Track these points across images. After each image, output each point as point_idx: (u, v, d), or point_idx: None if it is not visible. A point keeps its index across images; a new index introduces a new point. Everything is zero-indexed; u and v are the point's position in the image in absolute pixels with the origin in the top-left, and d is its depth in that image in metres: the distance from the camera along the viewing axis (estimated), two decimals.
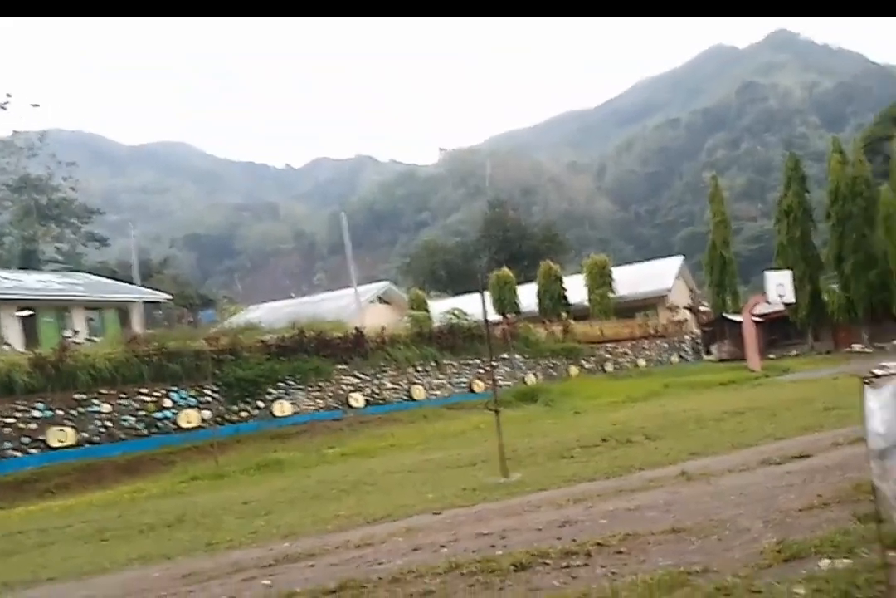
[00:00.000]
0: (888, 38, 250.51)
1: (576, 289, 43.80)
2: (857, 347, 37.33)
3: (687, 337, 40.58)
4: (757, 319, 34.97)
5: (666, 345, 38.46)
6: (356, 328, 25.81)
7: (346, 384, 23.83)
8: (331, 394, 23.29)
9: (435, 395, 26.12)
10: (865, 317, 37.57)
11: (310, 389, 22.78)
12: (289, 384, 22.29)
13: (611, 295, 43.09)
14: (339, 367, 23.82)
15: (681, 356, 38.65)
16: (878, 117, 53.55)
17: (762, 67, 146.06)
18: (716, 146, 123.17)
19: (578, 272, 46.32)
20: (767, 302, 34.23)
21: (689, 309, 45.42)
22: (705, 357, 40.36)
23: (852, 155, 39.64)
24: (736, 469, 8.63)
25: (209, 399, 20.43)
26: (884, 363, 3.80)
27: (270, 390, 21.75)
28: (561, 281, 44.70)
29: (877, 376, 3.74)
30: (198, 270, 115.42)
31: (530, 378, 29.51)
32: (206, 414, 20.08)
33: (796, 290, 34.50)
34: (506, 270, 47.09)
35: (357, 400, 23.66)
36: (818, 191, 43.61)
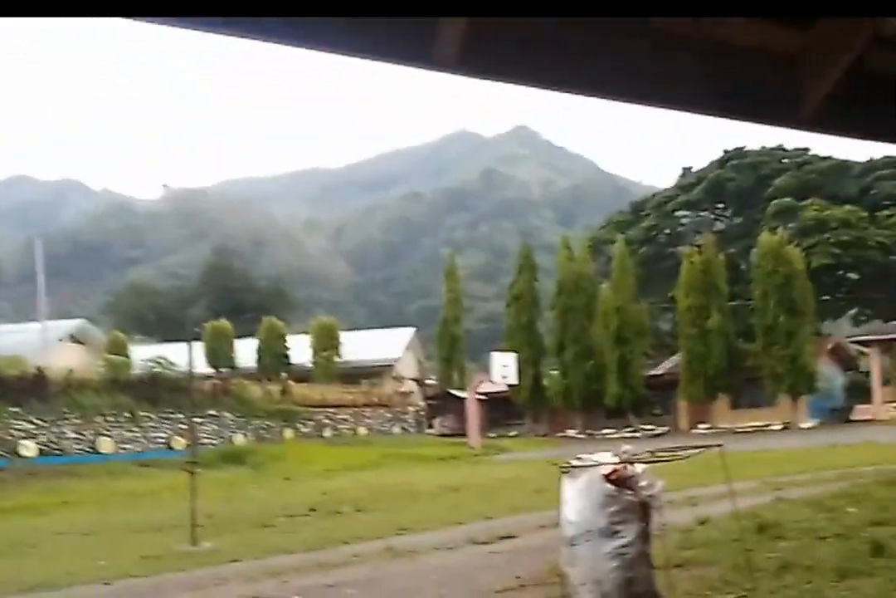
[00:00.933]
0: (616, 150, 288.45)
1: (300, 349, 43.54)
2: (571, 432, 40.25)
3: (411, 409, 41.66)
4: (480, 397, 36.70)
5: (389, 415, 39.16)
6: (38, 367, 24.08)
7: (17, 429, 21.50)
8: None
9: (126, 449, 24.34)
10: (581, 404, 40.74)
11: None
12: None
13: (337, 359, 43.39)
14: (11, 409, 21.58)
15: (403, 428, 39.54)
16: (605, 222, 60.15)
17: (504, 158, 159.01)
18: (456, 225, 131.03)
19: (305, 332, 46.05)
20: (492, 381, 36.08)
21: (416, 381, 46.76)
22: (428, 431, 41.50)
23: (579, 253, 43.88)
24: (443, 547, 8.91)
25: None
26: (580, 455, 4.19)
27: None
28: (284, 339, 44.50)
29: (573, 467, 4.09)
30: None
31: (239, 439, 28.63)
32: None
33: (520, 372, 36.77)
34: (223, 322, 46.24)
35: (28, 448, 21.22)
36: (548, 281, 47.32)
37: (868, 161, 49.84)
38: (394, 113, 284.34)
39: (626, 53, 3.10)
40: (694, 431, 37.35)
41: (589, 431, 39.77)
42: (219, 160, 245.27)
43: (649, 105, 3.35)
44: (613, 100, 3.31)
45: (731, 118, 3.48)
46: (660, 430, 37.68)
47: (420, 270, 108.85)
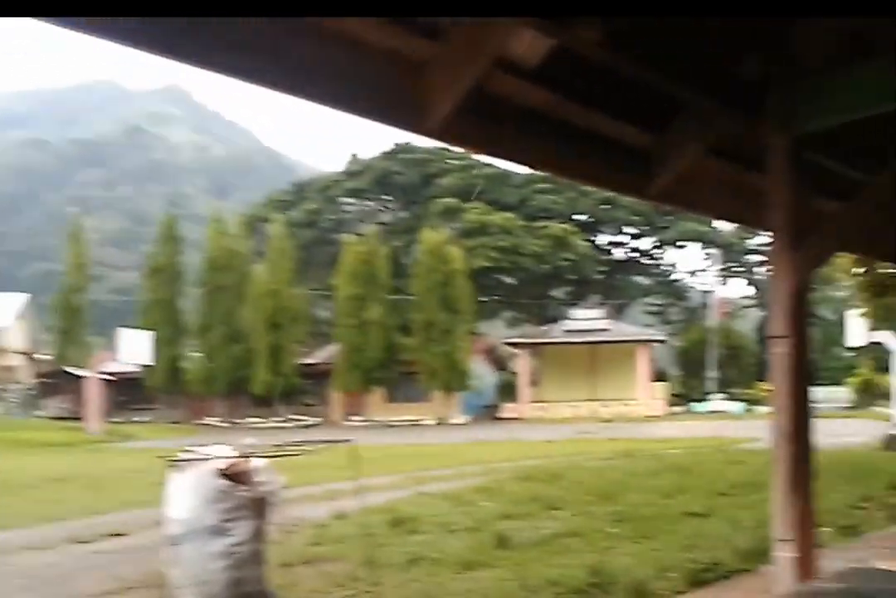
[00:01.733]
0: (281, 125, 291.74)
1: None
2: (211, 420, 40.14)
3: (16, 386, 39.59)
4: (105, 377, 35.68)
5: None
6: None
7: None
8: None
9: None
10: (225, 391, 40.88)
11: None
12: None
13: None
14: None
15: (5, 408, 37.41)
16: (265, 200, 61.12)
17: (152, 116, 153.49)
18: (90, 182, 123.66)
19: None
20: (120, 360, 35.56)
21: (25, 355, 44.36)
22: (37, 412, 39.74)
23: (233, 229, 44.31)
24: (35, 547, 8.70)
25: None
26: (190, 447, 4.23)
27: None
28: None
29: (182, 460, 4.14)
30: None
31: None
32: None
33: (155, 352, 36.57)
34: None
35: None
36: (196, 254, 47.17)
37: (529, 174, 55.75)
38: (24, 50, 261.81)
39: (260, 36, 3.29)
40: (347, 423, 39.19)
41: (232, 419, 40.01)
42: None
43: (279, 91, 3.56)
44: (236, 78, 3.40)
45: (361, 117, 3.84)
46: (311, 421, 39.07)
47: (40, 229, 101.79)
